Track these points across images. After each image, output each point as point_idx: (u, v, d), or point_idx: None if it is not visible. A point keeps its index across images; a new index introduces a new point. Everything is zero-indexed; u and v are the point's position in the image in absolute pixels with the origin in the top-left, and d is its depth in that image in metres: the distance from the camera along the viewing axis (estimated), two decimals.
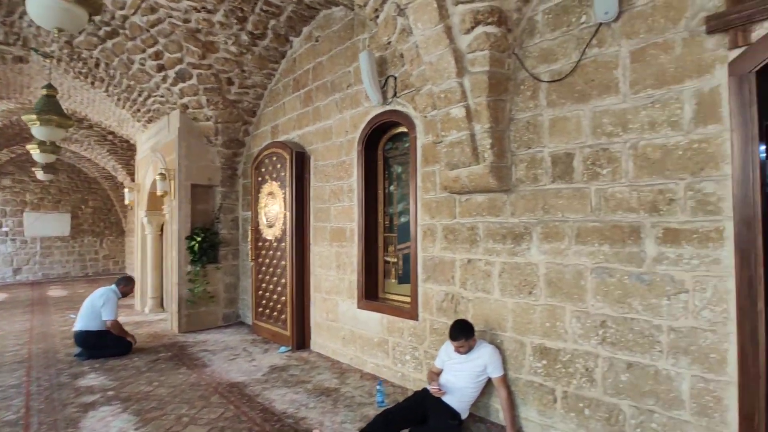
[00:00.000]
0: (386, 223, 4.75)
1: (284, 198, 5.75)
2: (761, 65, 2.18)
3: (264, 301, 6.21)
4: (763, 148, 2.22)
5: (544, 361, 3.03)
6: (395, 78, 4.26)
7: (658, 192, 2.50)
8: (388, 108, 4.38)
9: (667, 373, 2.46)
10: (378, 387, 3.75)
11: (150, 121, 7.83)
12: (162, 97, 6.70)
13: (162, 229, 8.29)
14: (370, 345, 4.57)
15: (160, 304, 8.26)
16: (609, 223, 2.71)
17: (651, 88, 2.54)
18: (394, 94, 4.29)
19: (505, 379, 3.20)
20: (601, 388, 2.74)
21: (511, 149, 3.23)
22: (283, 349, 5.50)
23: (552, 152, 3.00)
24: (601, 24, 2.75)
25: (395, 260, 4.62)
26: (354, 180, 4.80)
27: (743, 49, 2.23)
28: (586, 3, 2.82)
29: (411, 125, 4.12)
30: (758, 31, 2.20)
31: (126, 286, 5.80)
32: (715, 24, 2.30)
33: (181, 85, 6.24)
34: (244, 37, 5.69)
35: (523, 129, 3.16)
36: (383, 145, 4.77)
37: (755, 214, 2.15)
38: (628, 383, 2.62)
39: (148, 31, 5.43)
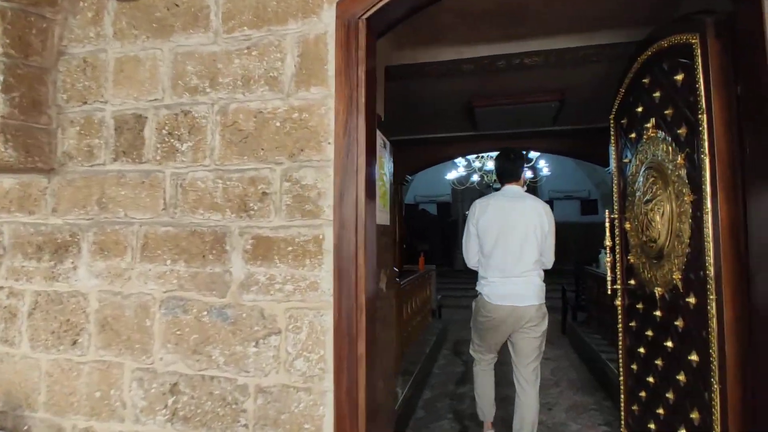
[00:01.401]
0: None
1: None
2: (373, 10, 1.58)
3: None
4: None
5: None
6: None
7: (250, 181, 1.66)
8: None
9: None
10: None
11: None
12: None
13: None
14: None
15: None
16: (187, 228, 1.73)
17: (248, 26, 1.70)
18: None
19: None
20: None
21: (58, 102, 1.93)
22: None
23: (118, 112, 1.86)
24: None
25: None
26: None
27: None
28: None
29: None
30: None
31: None
32: None
33: None
34: None
35: (79, 71, 1.92)
36: None
37: (358, 218, 1.51)
38: None
39: None
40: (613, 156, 2.66)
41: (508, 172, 2.58)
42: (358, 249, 1.49)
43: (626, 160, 2.49)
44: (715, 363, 1.55)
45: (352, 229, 1.49)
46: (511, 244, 2.44)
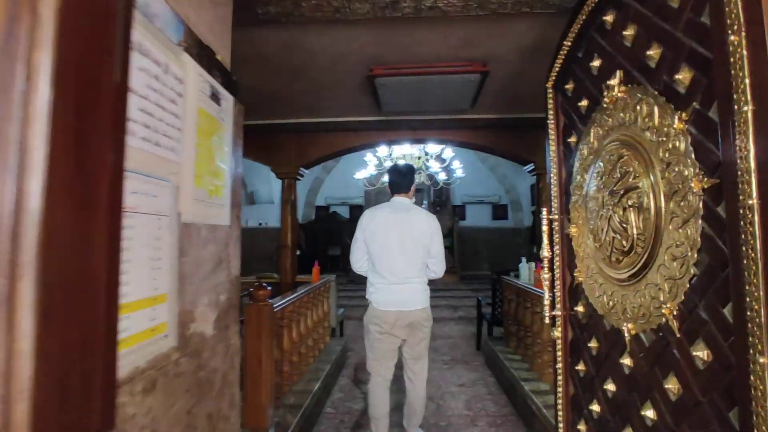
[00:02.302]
0: None
1: None
2: None
3: None
4: None
5: None
6: None
7: None
8: None
9: None
10: None
11: None
12: None
13: None
14: None
15: None
16: None
17: None
18: None
19: None
20: None
21: None
22: None
23: None
24: None
25: None
26: None
27: None
28: None
29: None
30: None
31: None
32: None
33: None
34: None
35: None
36: None
37: (21, 205, 0.59)
38: None
39: None
40: (552, 136, 1.99)
41: (398, 185, 2.74)
42: (16, 280, 0.58)
43: (572, 140, 1.82)
44: None
45: (5, 232, 0.58)
46: (395, 252, 2.58)
